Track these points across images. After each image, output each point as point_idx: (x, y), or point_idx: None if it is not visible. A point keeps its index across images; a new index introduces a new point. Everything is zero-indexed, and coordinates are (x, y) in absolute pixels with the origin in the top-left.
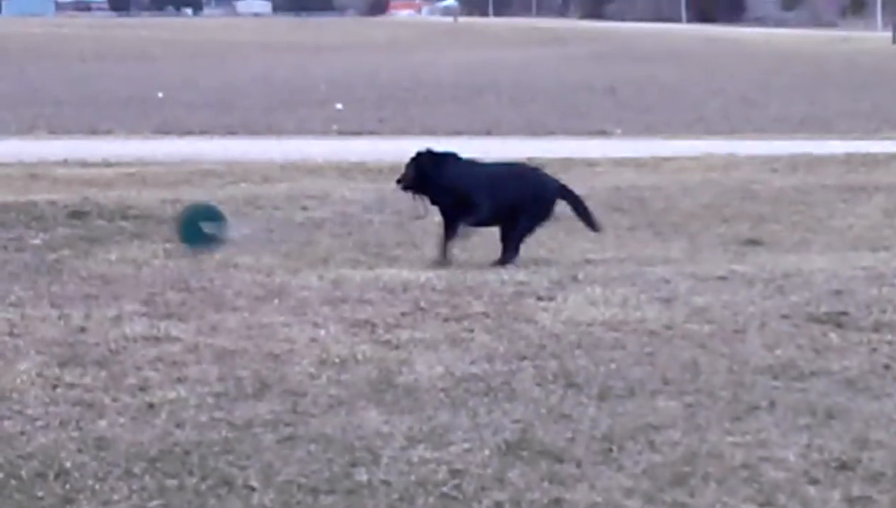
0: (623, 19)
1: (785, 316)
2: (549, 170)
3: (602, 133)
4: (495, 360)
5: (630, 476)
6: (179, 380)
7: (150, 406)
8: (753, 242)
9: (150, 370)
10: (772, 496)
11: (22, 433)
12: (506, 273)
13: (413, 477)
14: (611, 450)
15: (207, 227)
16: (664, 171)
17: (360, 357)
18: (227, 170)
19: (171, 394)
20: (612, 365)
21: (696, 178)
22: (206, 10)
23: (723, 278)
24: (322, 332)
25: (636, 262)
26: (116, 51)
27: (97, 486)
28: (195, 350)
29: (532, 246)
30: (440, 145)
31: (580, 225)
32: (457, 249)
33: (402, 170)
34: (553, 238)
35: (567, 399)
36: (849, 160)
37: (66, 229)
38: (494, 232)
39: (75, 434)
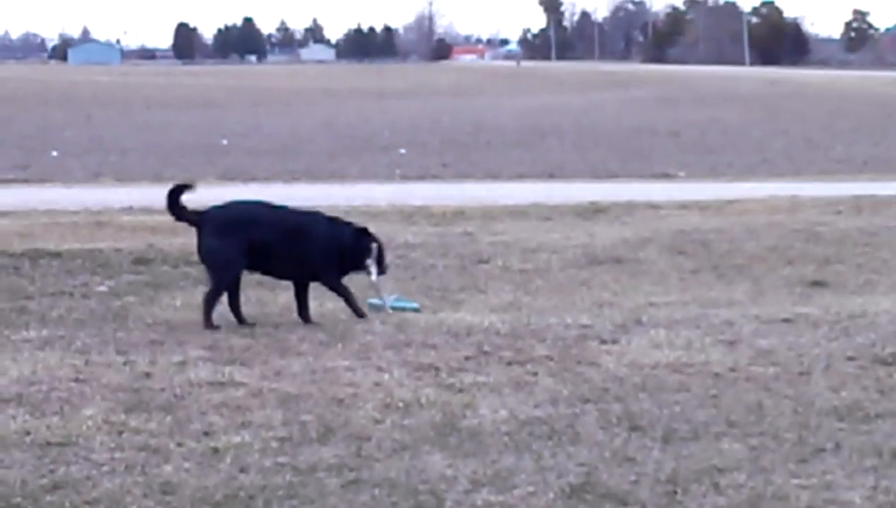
0: (685, 62)
1: (850, 358)
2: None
3: (665, 176)
4: (559, 403)
5: None
6: (244, 425)
7: (215, 450)
8: (818, 284)
9: (214, 415)
10: None
11: (88, 478)
12: (569, 316)
13: None
14: (675, 493)
15: None
16: (728, 214)
17: (423, 401)
18: None
19: (236, 439)
20: (677, 408)
21: (761, 221)
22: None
23: (787, 320)
24: (386, 376)
25: (700, 305)
26: (181, 98)
27: None
28: (259, 395)
29: (595, 289)
30: (502, 189)
31: (644, 267)
32: (521, 293)
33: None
34: (616, 281)
35: (631, 441)
36: None
37: (131, 276)
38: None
39: (140, 479)
